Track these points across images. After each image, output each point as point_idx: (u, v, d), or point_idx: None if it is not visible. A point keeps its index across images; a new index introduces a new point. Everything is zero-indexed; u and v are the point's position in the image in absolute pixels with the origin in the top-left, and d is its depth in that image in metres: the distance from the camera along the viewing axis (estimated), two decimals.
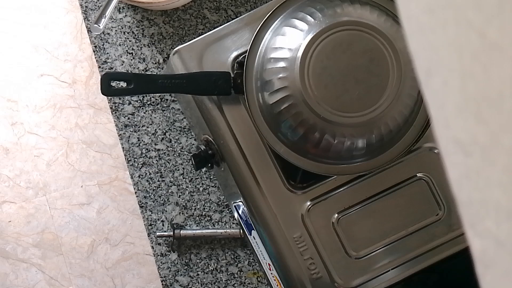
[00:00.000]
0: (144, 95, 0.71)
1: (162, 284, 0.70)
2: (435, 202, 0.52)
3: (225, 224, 0.70)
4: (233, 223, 0.69)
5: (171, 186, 0.70)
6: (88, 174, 1.57)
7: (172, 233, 0.68)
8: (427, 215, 0.52)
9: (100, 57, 0.71)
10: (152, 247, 0.70)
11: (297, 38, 0.45)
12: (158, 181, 0.70)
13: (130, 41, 0.71)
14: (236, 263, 0.69)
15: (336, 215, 0.51)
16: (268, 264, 0.53)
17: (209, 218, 0.70)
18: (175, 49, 0.54)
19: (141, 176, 0.70)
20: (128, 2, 0.66)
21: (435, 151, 0.52)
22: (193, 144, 0.70)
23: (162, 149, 0.70)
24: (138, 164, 0.70)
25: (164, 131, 0.71)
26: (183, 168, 0.70)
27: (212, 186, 0.70)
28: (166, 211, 0.70)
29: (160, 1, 0.65)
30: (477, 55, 0.15)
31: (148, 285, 1.49)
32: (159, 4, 0.65)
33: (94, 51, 0.72)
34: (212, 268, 0.69)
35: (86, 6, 0.72)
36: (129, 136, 0.71)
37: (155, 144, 0.71)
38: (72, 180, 1.58)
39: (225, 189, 0.65)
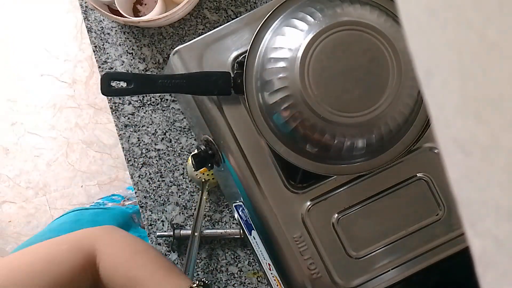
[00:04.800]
0: (144, 95, 0.71)
1: None
2: (435, 202, 0.52)
3: (225, 224, 0.70)
4: (233, 223, 0.69)
5: (171, 186, 0.70)
6: (88, 174, 1.58)
7: (172, 233, 0.68)
8: (427, 215, 0.52)
9: (100, 57, 0.71)
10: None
11: (297, 38, 0.45)
12: (158, 181, 0.70)
13: (130, 41, 0.71)
14: (236, 263, 0.69)
15: (336, 215, 0.51)
16: (268, 264, 0.53)
17: (209, 218, 0.70)
18: (175, 49, 0.54)
19: (141, 176, 0.70)
20: (126, 23, 0.66)
21: (435, 151, 0.52)
22: (193, 144, 0.70)
23: (162, 149, 0.70)
24: (138, 164, 0.70)
25: (164, 131, 0.71)
26: (183, 168, 0.70)
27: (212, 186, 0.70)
28: (166, 211, 0.70)
29: (154, 19, 0.65)
30: (477, 55, 0.15)
31: None
32: (155, 23, 0.65)
33: (94, 51, 0.72)
34: (212, 268, 0.69)
35: (86, 6, 0.72)
36: (129, 136, 0.71)
37: (155, 144, 0.71)
38: (72, 180, 1.58)
39: (225, 189, 0.65)
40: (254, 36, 0.48)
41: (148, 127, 0.71)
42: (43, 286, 0.44)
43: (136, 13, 0.72)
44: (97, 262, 0.49)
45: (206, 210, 0.70)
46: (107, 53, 0.71)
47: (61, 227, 0.77)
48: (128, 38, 0.71)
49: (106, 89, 0.49)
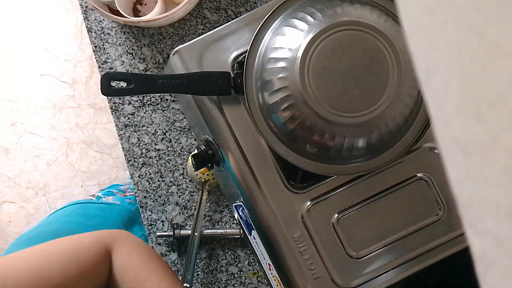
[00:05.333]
0: (144, 95, 0.71)
1: None
2: (435, 202, 0.52)
3: (225, 224, 0.70)
4: (233, 223, 0.69)
5: (171, 186, 0.70)
6: (88, 174, 1.58)
7: (172, 233, 0.69)
8: (427, 215, 0.52)
9: (100, 57, 0.71)
10: (152, 247, 0.70)
11: (297, 38, 0.45)
12: (158, 181, 0.70)
13: (130, 41, 0.71)
14: (236, 263, 0.69)
15: (336, 215, 0.51)
16: (268, 264, 0.53)
17: (209, 218, 0.70)
18: (175, 49, 0.54)
19: (141, 176, 0.70)
20: (126, 23, 0.66)
21: (435, 151, 0.52)
22: (193, 144, 0.70)
23: (162, 149, 0.70)
24: (138, 164, 0.70)
25: (164, 131, 0.71)
26: (183, 168, 0.70)
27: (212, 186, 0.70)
28: (166, 211, 0.70)
29: (154, 19, 0.65)
30: (477, 55, 0.15)
31: None
32: (155, 23, 0.65)
33: (94, 51, 0.72)
34: (212, 268, 0.69)
35: (86, 6, 0.72)
36: (129, 136, 0.71)
37: (155, 144, 0.71)
38: (72, 180, 1.58)
39: (225, 189, 0.65)
40: (254, 36, 0.48)
41: (148, 127, 0.71)
42: (71, 274, 0.47)
43: (136, 13, 0.72)
44: (112, 259, 0.52)
45: (206, 210, 0.70)
46: (107, 53, 0.71)
47: (68, 219, 0.78)
48: (128, 38, 0.71)
49: (106, 89, 0.49)
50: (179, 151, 0.70)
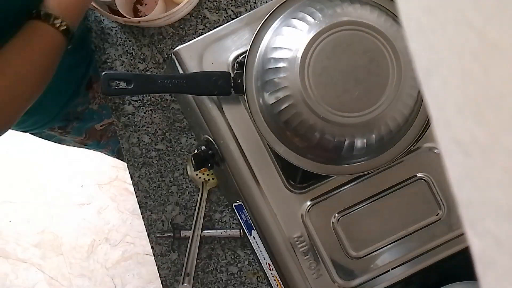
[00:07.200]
0: (144, 95, 0.71)
1: (162, 284, 0.70)
2: (435, 202, 0.52)
3: (225, 224, 0.70)
4: (233, 223, 0.69)
5: (171, 186, 0.70)
6: (88, 174, 1.58)
7: (172, 233, 0.68)
8: (427, 215, 0.52)
9: (100, 57, 0.71)
10: (152, 247, 0.70)
11: (297, 38, 0.45)
12: (158, 181, 0.70)
13: (130, 41, 0.71)
14: (236, 263, 0.69)
15: (336, 215, 0.51)
16: (268, 264, 0.53)
17: (209, 218, 0.70)
18: (175, 49, 0.54)
19: (141, 176, 0.70)
20: (126, 23, 0.66)
21: (435, 151, 0.52)
22: (193, 144, 0.70)
23: (162, 149, 0.70)
24: (138, 164, 0.70)
25: (164, 131, 0.71)
26: (183, 168, 0.70)
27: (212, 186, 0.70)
28: (166, 211, 0.70)
29: (154, 19, 0.65)
30: (477, 55, 0.15)
31: (148, 285, 1.49)
32: (155, 23, 0.65)
33: (94, 51, 0.72)
34: (212, 268, 0.69)
35: None
36: (129, 136, 0.71)
37: (155, 144, 0.71)
38: (72, 180, 1.58)
39: (225, 189, 0.65)
40: (254, 36, 0.48)
41: (148, 127, 0.71)
42: None
43: (136, 13, 0.72)
44: None
45: (206, 210, 0.70)
46: (107, 53, 0.71)
47: None
48: (128, 38, 0.71)
49: (106, 89, 0.49)
50: (179, 151, 0.70)
